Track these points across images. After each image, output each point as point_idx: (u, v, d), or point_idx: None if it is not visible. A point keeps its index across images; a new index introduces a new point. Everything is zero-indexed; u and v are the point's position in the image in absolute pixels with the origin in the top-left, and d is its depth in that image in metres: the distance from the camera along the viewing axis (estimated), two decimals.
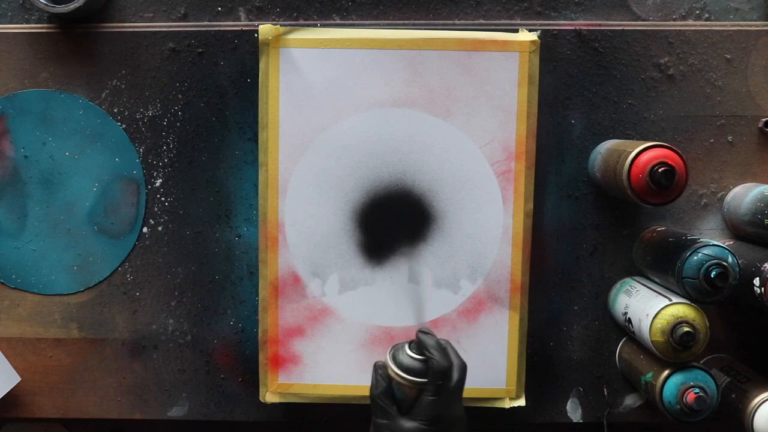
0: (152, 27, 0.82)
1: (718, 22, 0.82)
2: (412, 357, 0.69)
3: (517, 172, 0.80)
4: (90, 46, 0.82)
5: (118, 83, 0.82)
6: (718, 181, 0.82)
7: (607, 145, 0.79)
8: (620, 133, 0.82)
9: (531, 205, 0.80)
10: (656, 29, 0.81)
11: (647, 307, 0.74)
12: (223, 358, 0.85)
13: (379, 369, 0.70)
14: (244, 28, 0.82)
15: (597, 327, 0.84)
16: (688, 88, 0.82)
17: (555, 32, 0.81)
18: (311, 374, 0.82)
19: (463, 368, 0.69)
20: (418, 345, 0.69)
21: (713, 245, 0.70)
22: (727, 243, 0.78)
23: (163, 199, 0.84)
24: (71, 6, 0.79)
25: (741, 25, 0.81)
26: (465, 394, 0.81)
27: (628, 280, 0.82)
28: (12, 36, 0.82)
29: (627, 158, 0.72)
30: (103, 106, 0.82)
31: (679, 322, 0.71)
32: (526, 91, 0.79)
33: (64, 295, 0.84)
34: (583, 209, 0.83)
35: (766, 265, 0.71)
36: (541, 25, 0.81)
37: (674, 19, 0.82)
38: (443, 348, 0.69)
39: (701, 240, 0.71)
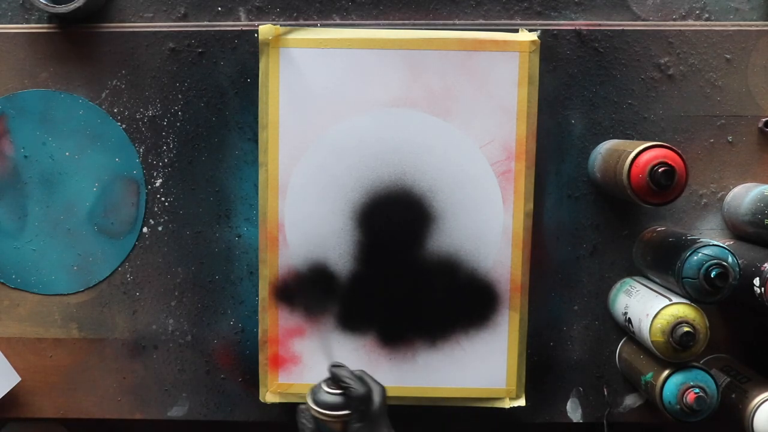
0: (152, 27, 0.82)
1: (718, 22, 0.82)
2: (330, 393, 0.69)
3: (517, 172, 0.80)
4: (90, 46, 0.82)
5: (118, 83, 0.82)
6: (718, 181, 0.82)
7: (607, 145, 0.79)
8: (620, 133, 0.82)
9: (531, 205, 0.80)
10: (656, 29, 0.81)
11: (647, 307, 0.74)
12: (223, 358, 0.85)
13: (303, 413, 0.70)
14: (244, 28, 0.82)
15: (597, 327, 0.84)
16: (688, 88, 0.82)
17: (555, 32, 0.81)
18: (311, 374, 0.82)
19: (382, 391, 0.69)
20: (333, 380, 0.70)
21: (713, 245, 0.70)
22: (727, 243, 0.78)
23: (163, 199, 0.84)
24: (71, 6, 0.79)
25: (741, 25, 0.81)
26: (465, 395, 0.82)
27: (628, 280, 0.82)
28: (12, 36, 0.82)
29: (627, 158, 0.72)
30: (103, 106, 0.82)
31: (679, 322, 0.71)
32: (526, 91, 0.79)
33: (64, 295, 0.84)
34: (583, 209, 0.83)
35: (766, 265, 0.71)
36: (541, 25, 0.81)
37: (674, 19, 0.82)
38: (358, 376, 0.70)
39: (701, 240, 0.71)
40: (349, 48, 0.79)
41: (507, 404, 0.82)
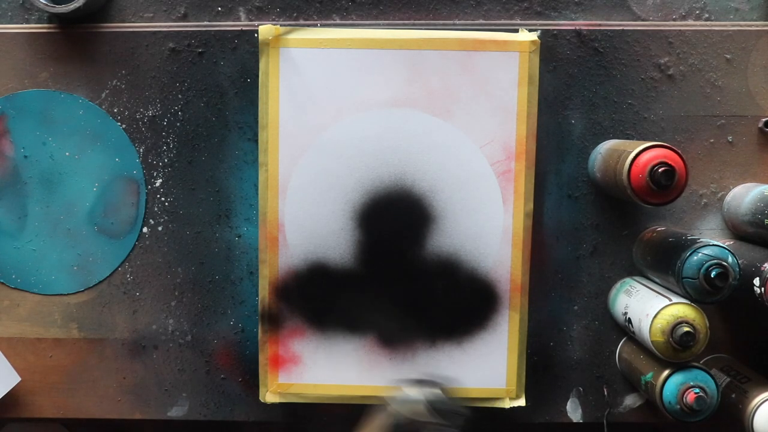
0: (152, 27, 0.82)
1: (718, 22, 0.82)
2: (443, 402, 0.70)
3: (517, 172, 0.80)
4: (90, 46, 0.82)
5: (118, 83, 0.82)
6: (718, 181, 0.82)
7: (607, 145, 0.79)
8: (620, 133, 0.82)
9: (531, 205, 0.80)
10: (656, 29, 0.81)
11: (647, 307, 0.74)
12: (223, 358, 0.85)
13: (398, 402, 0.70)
14: (244, 28, 0.82)
15: (597, 327, 0.84)
16: (688, 88, 0.82)
17: (555, 32, 0.81)
18: (311, 374, 0.82)
19: None
20: (443, 391, 0.71)
21: (713, 245, 0.70)
22: (727, 243, 0.78)
23: (163, 199, 0.84)
24: (71, 6, 0.79)
25: (741, 25, 0.81)
26: (465, 395, 0.82)
27: (628, 280, 0.82)
28: (12, 36, 0.82)
29: (627, 158, 0.72)
30: (103, 106, 0.82)
31: (679, 322, 0.71)
32: (526, 91, 0.79)
33: (64, 295, 0.84)
34: (583, 209, 0.83)
35: (766, 265, 0.71)
36: (541, 25, 0.81)
37: (674, 19, 0.82)
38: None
39: (701, 240, 0.71)
40: (349, 48, 0.79)
41: (507, 404, 0.82)
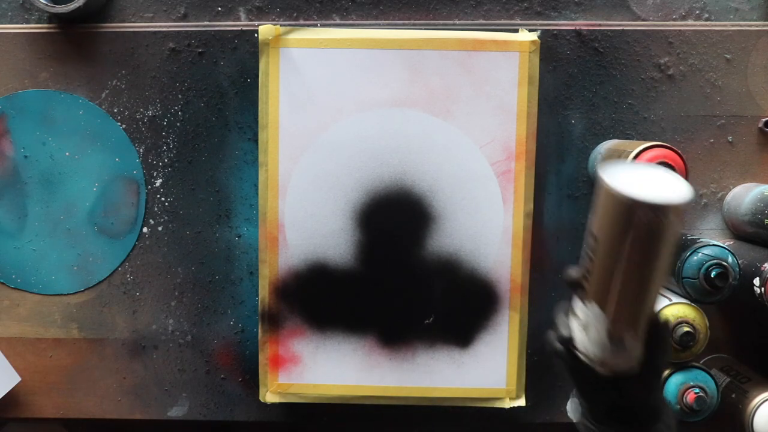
0: (152, 27, 0.82)
1: (718, 22, 0.82)
2: None
3: (517, 172, 0.80)
4: (90, 46, 0.82)
5: (118, 83, 0.82)
6: (718, 181, 0.82)
7: (607, 145, 0.79)
8: (620, 133, 0.82)
9: (531, 205, 0.80)
10: (656, 29, 0.81)
11: None
12: (223, 358, 0.85)
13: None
14: (244, 28, 0.82)
15: None
16: (688, 88, 0.82)
17: (555, 32, 0.81)
18: (311, 374, 0.82)
19: None
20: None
21: (713, 245, 0.70)
22: (727, 243, 0.78)
23: (163, 199, 0.84)
24: (71, 6, 0.79)
25: (741, 25, 0.81)
26: (465, 395, 0.82)
27: None
28: (12, 36, 0.82)
29: (627, 158, 0.72)
30: (103, 106, 0.82)
31: (679, 322, 0.71)
32: (526, 91, 0.79)
33: (64, 295, 0.84)
34: (583, 209, 0.83)
35: (766, 265, 0.71)
36: (541, 25, 0.81)
37: (674, 19, 0.82)
38: None
39: (701, 240, 0.71)
40: (349, 48, 0.79)
41: (507, 404, 0.82)
